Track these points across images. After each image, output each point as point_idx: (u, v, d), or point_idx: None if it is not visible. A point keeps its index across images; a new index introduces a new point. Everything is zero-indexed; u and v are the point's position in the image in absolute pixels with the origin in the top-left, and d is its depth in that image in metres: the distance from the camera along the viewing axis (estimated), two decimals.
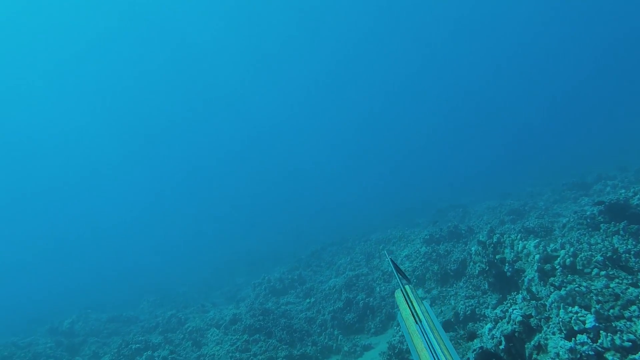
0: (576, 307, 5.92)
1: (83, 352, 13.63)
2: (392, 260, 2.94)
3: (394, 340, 10.38)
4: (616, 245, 8.05)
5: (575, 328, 5.53)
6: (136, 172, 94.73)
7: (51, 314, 22.12)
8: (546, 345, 5.67)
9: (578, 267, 7.57)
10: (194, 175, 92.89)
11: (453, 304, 10.92)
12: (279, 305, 15.15)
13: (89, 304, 22.67)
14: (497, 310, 7.10)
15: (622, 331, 5.35)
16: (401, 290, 2.56)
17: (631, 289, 6.28)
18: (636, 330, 5.33)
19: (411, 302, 2.41)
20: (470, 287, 11.27)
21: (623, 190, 11.44)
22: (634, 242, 8.25)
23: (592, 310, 5.93)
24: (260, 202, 69.76)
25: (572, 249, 7.92)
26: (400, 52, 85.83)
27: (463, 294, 11.13)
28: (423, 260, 14.23)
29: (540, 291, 7.50)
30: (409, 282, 2.67)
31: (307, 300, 15.32)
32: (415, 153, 77.76)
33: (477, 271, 10.45)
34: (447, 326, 10.21)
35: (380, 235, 21.84)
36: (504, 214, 18.39)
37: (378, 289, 14.29)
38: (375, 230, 26.36)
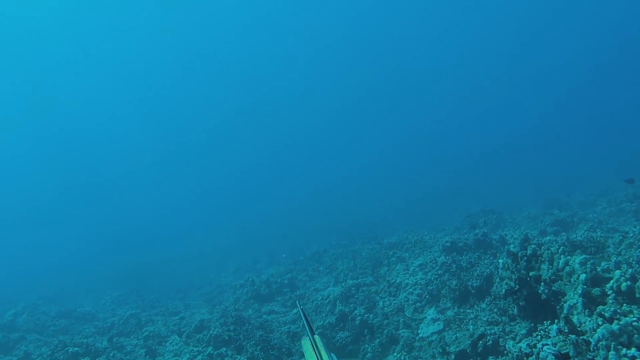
0: (633, 350, 4.82)
1: (14, 352, 13.00)
2: (302, 310, 3.23)
3: None
4: None
5: None
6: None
7: (3, 302, 21.65)
8: None
9: (637, 295, 6.41)
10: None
11: (471, 329, 9.92)
12: (260, 314, 14.32)
13: (46, 294, 22.29)
14: (523, 344, 6.01)
15: None
16: (309, 339, 2.66)
17: None
18: None
19: (319, 352, 2.49)
20: (495, 310, 10.23)
21: None
22: None
23: None
24: (269, 195, 70.13)
25: (630, 271, 6.76)
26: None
27: (485, 319, 10.13)
28: (440, 272, 13.25)
29: (584, 323, 6.36)
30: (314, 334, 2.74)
31: (294, 311, 14.43)
32: (448, 148, 76.44)
33: (503, 290, 9.36)
34: (462, 359, 9.20)
35: (394, 238, 20.85)
36: (547, 224, 17.25)
37: (381, 303, 13.31)
38: (391, 234, 25.42)
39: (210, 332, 11.81)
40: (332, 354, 2.55)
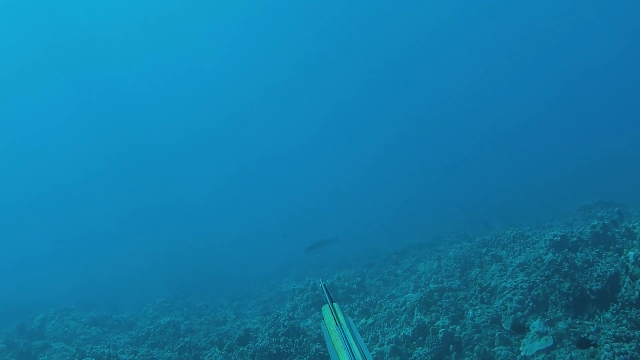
0: None
1: None
2: (324, 286, 3.57)
3: None
4: None
5: None
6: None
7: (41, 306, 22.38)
8: None
9: None
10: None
11: (592, 347, 8.60)
12: (320, 325, 13.48)
13: (83, 298, 22.80)
14: None
15: None
16: (329, 306, 3.17)
17: None
18: None
19: (337, 315, 2.99)
20: (625, 321, 8.87)
21: None
22: None
23: None
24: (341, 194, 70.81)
25: None
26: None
27: (611, 333, 8.81)
28: (547, 272, 11.82)
29: None
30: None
31: (362, 321, 13.53)
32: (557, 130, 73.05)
33: (636, 294, 7.95)
34: None
35: (488, 235, 19.45)
36: None
37: (471, 312, 12.11)
38: (485, 232, 23.94)
39: (257, 344, 11.20)
40: (348, 317, 3.00)
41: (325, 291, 3.44)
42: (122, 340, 15.43)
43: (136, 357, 12.25)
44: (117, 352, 12.37)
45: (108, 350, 11.91)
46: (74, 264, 48.01)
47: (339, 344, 2.65)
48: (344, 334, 2.74)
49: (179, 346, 13.14)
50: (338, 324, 2.86)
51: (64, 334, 16.50)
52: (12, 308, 25.25)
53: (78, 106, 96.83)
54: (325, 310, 3.23)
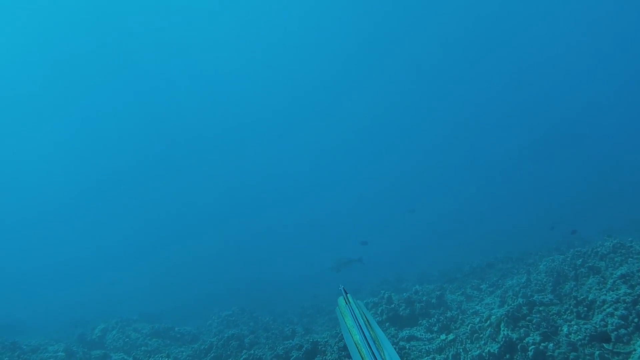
0: None
1: None
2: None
3: None
4: None
5: None
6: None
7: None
8: None
9: None
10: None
11: None
12: (396, 341, 12.85)
13: (146, 310, 23.11)
14: None
15: None
16: (344, 297, 3.61)
17: None
18: None
19: (349, 301, 3.48)
20: None
21: None
22: None
23: None
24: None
25: None
26: None
27: None
28: None
29: None
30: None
31: (442, 337, 12.75)
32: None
33: None
34: None
35: (584, 247, 18.16)
36: None
37: (566, 329, 11.09)
38: (581, 244, 22.49)
39: (326, 357, 10.72)
40: (360, 302, 3.48)
41: (342, 289, 3.73)
42: (184, 353, 15.42)
43: None
44: None
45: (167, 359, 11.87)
46: (137, 273, 49.47)
47: (350, 324, 3.13)
48: (355, 317, 3.18)
49: (242, 359, 12.89)
50: (351, 310, 3.29)
51: (125, 345, 16.74)
52: (76, 319, 26.01)
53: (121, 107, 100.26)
54: (340, 299, 3.64)
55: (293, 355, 11.63)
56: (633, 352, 9.11)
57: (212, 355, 14.70)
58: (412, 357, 11.81)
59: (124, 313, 22.99)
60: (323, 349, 11.42)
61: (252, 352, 13.21)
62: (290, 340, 14.67)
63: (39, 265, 63.59)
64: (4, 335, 16.81)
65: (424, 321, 14.71)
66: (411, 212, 29.03)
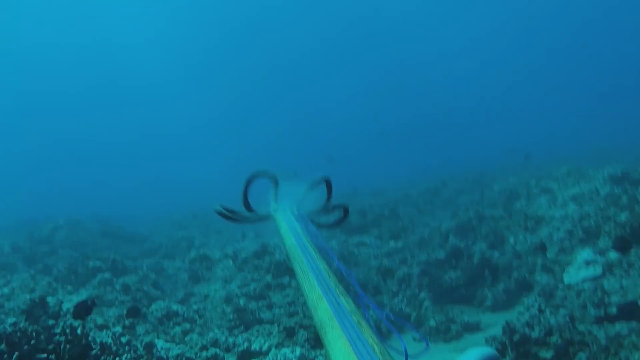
0: None
1: (36, 265, 13.20)
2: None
3: (519, 321, 7.63)
4: None
5: None
6: None
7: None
8: None
9: None
10: None
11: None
12: (346, 246, 13.08)
13: (101, 214, 22.91)
14: None
15: None
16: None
17: None
18: None
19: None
20: None
21: None
22: None
23: None
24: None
25: None
26: None
27: None
28: (602, 205, 11.03)
29: None
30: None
31: (391, 243, 13.03)
32: None
33: None
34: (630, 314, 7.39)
35: (539, 170, 18.62)
36: None
37: (512, 240, 11.47)
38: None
39: (273, 258, 11.01)
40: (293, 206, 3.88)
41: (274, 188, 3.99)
42: (132, 252, 15.48)
43: (143, 265, 12.35)
44: (124, 259, 12.41)
45: (114, 255, 11.93)
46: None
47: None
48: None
49: (191, 258, 13.11)
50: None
51: (72, 243, 16.63)
52: (25, 220, 25.19)
53: None
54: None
55: (242, 256, 11.81)
56: (573, 261, 9.44)
57: (161, 253, 14.81)
58: (360, 259, 12.08)
59: (74, 214, 22.73)
60: (272, 250, 11.62)
61: (201, 251, 13.40)
62: (242, 243, 14.84)
63: None
64: None
65: (375, 230, 14.99)
66: (330, 162, 28.07)
